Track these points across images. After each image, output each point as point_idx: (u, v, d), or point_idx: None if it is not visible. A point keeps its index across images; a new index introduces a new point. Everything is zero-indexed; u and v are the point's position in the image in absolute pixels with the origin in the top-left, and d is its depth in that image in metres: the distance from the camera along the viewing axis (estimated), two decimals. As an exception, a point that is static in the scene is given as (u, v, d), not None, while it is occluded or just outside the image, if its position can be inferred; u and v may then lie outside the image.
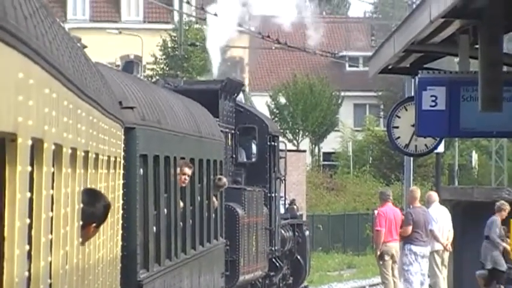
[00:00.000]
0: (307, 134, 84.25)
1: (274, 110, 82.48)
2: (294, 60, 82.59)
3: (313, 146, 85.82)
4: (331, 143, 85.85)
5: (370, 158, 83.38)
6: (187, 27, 72.15)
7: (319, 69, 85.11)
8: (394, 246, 27.51)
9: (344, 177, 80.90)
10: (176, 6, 75.22)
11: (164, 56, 73.15)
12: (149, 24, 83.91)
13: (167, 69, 70.40)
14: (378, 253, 27.94)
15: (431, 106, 17.58)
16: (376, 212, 29.51)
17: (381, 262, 27.85)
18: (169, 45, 73.25)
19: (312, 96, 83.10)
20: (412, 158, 48.57)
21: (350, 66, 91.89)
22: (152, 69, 71.33)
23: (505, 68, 16.87)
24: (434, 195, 29.81)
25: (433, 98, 17.59)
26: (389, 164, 78.69)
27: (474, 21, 15.56)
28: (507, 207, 29.57)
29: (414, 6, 52.84)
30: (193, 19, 70.49)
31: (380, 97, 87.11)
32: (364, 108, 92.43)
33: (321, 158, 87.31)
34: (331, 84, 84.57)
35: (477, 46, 16.61)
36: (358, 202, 74.23)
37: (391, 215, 27.67)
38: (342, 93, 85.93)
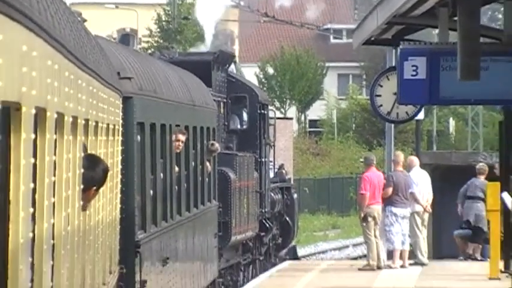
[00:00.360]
0: (293, 102, 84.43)
1: (263, 80, 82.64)
2: (281, 33, 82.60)
3: (300, 113, 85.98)
4: (316, 111, 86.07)
5: (353, 125, 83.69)
6: (180, 2, 72.16)
7: (305, 41, 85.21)
8: (377, 209, 27.54)
9: (329, 143, 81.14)
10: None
11: (159, 30, 73.33)
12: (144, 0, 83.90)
13: (161, 41, 70.47)
14: (362, 215, 27.89)
15: (412, 75, 17.56)
16: (361, 176, 29.47)
17: (364, 223, 27.79)
18: (164, 19, 73.41)
19: (299, 67, 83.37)
20: (393, 125, 48.61)
21: (334, 38, 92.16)
22: (147, 42, 71.34)
23: (482, 40, 16.84)
24: (415, 159, 29.83)
25: (414, 68, 17.56)
26: (371, 131, 78.94)
27: None
28: (486, 169, 29.66)
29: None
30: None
31: (362, 67, 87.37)
32: (347, 78, 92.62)
33: (307, 125, 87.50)
34: (317, 55, 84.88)
35: (456, 18, 16.67)
36: (342, 166, 74.43)
37: (374, 180, 27.67)
38: (327, 64, 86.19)
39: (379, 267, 27.53)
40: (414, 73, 17.61)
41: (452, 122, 76.86)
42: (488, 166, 30.38)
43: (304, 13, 73.39)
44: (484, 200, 29.32)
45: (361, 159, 32.65)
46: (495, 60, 16.97)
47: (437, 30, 19.48)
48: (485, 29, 17.37)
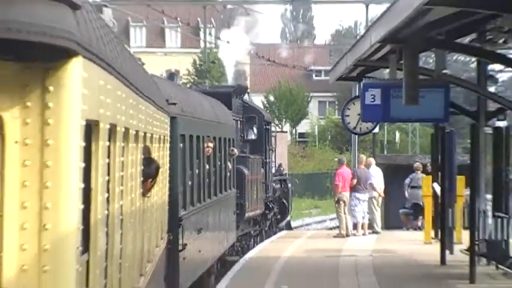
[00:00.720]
0: (287, 120, 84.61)
1: (266, 105, 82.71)
2: (279, 72, 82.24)
3: (292, 128, 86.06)
4: (303, 127, 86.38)
5: (329, 136, 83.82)
6: (209, 51, 72.25)
7: (296, 78, 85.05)
8: (346, 195, 27.57)
9: (312, 149, 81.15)
10: (202, 36, 75.28)
11: (194, 70, 73.34)
12: (184, 49, 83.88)
13: (196, 78, 70.42)
14: (336, 199, 27.96)
15: (371, 101, 17.57)
16: (335, 172, 29.47)
17: (337, 205, 27.86)
18: (198, 63, 73.45)
19: (291, 96, 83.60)
20: (357, 136, 48.59)
21: (316, 76, 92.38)
22: (186, 79, 71.38)
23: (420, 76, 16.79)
24: (372, 160, 29.82)
25: (373, 96, 17.56)
26: (341, 140, 79.07)
27: (400, 45, 15.54)
28: (421, 166, 29.65)
29: (359, 37, 52.88)
30: (213, 45, 70.84)
31: (335, 96, 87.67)
32: (325, 104, 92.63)
33: (297, 137, 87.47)
34: (304, 88, 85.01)
35: (401, 62, 16.64)
36: (322, 165, 74.29)
37: (345, 174, 27.67)
38: (311, 94, 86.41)
39: (347, 235, 27.50)
40: (372, 100, 17.57)
41: (397, 134, 76.92)
42: (423, 164, 30.30)
43: (295, 59, 73.28)
44: (421, 188, 29.62)
45: (336, 160, 32.61)
46: (429, 91, 16.93)
47: (388, 70, 19.40)
48: (421, 69, 17.33)
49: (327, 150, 79.09)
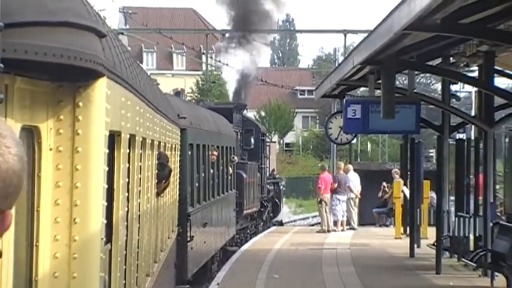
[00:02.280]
0: (276, 132, 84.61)
1: (258, 119, 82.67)
2: (269, 91, 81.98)
3: (280, 139, 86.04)
4: (289, 138, 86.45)
5: (311, 146, 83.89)
6: (210, 73, 72.42)
7: (283, 96, 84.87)
8: (327, 196, 27.33)
9: (297, 156, 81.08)
10: (204, 60, 75.48)
11: (197, 89, 73.44)
12: (189, 71, 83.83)
13: (199, 96, 70.34)
14: (318, 199, 27.72)
15: (352, 115, 17.37)
16: (318, 176, 29.26)
17: (319, 204, 27.62)
18: (200, 82, 73.62)
19: (279, 111, 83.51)
20: (335, 146, 48.42)
21: (300, 94, 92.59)
22: (190, 96, 71.32)
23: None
24: (350, 166, 29.63)
25: (354, 111, 17.34)
26: (322, 149, 79.32)
27: (378, 67, 15.44)
28: (398, 172, 29.39)
29: (337, 61, 52.94)
30: (213, 68, 71.38)
31: (317, 112, 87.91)
32: (308, 119, 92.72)
33: (284, 146, 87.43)
34: (290, 105, 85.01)
35: (379, 81, 16.58)
36: (305, 170, 74.09)
37: (326, 178, 27.43)
38: (296, 110, 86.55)
39: (328, 231, 27.26)
40: (353, 114, 17.34)
41: (369, 145, 77.05)
42: (389, 170, 30.15)
43: (283, 80, 72.95)
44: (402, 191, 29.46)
45: (319, 166, 32.39)
46: (402, 107, 16.76)
47: (364, 88, 19.39)
48: (396, 88, 17.31)
49: (309, 158, 79.38)
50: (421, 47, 15.00)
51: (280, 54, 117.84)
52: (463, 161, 19.21)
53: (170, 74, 78.07)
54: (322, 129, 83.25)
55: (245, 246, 24.40)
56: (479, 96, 18.18)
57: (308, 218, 50.56)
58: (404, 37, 12.45)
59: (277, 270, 18.15)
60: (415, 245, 20.80)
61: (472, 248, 17.86)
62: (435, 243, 18.15)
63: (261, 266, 18.98)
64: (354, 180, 28.28)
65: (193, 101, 56.49)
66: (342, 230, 27.48)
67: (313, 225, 41.21)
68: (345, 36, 48.99)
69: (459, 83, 20.40)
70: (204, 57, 70.25)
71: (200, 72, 75.55)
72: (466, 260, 17.47)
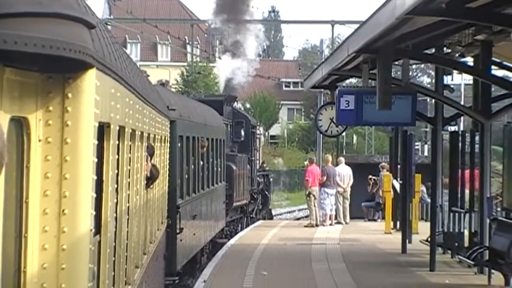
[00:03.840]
0: (261, 124, 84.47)
1: (243, 111, 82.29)
2: (255, 82, 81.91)
3: (265, 131, 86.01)
4: (275, 130, 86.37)
5: (297, 138, 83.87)
6: (195, 64, 72.28)
7: (269, 88, 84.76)
8: (315, 189, 26.98)
9: (282, 149, 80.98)
10: (189, 50, 75.18)
11: (182, 80, 73.20)
12: (174, 62, 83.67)
13: (184, 88, 70.09)
14: (307, 192, 27.35)
15: (345, 107, 16.77)
16: (306, 169, 28.96)
17: (308, 198, 27.24)
18: (185, 74, 73.37)
19: (265, 103, 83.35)
20: (322, 138, 48.21)
21: (286, 87, 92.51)
22: (175, 88, 71.22)
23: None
24: (342, 158, 29.45)
25: (347, 102, 16.76)
26: (307, 142, 79.36)
27: (374, 55, 14.96)
28: (386, 165, 29.08)
29: (323, 53, 52.64)
30: (199, 58, 71.11)
31: (302, 104, 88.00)
32: (293, 111, 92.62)
33: (269, 138, 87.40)
34: (275, 97, 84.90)
35: (373, 71, 16.07)
36: (290, 163, 73.99)
37: (314, 171, 27.07)
38: (281, 102, 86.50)
39: (317, 225, 27.00)
40: (347, 105, 16.72)
41: (355, 137, 76.99)
42: (378, 163, 29.84)
43: (268, 72, 72.52)
44: None
45: (308, 158, 32.04)
46: (398, 98, 16.12)
47: (354, 80, 19.13)
48: (392, 79, 16.92)
49: (295, 150, 79.25)
50: (416, 35, 14.48)
51: (265, 47, 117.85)
52: (457, 154, 18.74)
53: (155, 65, 77.83)
54: (308, 122, 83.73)
55: (232, 241, 23.80)
56: (475, 86, 17.63)
57: (294, 211, 49.99)
58: (404, 23, 11.98)
59: (266, 267, 17.70)
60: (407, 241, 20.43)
61: (467, 244, 17.41)
62: (428, 239, 17.69)
63: (248, 262, 18.53)
64: (345, 173, 28.03)
65: (181, 92, 56.33)
66: (331, 225, 27.18)
67: (299, 218, 40.98)
68: (333, 27, 49.34)
69: (449, 75, 20.09)
70: (189, 47, 70.09)
71: (185, 64, 75.39)
72: (461, 257, 17.01)
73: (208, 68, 72.46)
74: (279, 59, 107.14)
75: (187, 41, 68.82)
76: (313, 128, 70.78)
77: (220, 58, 46.32)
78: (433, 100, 20.19)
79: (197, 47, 63.97)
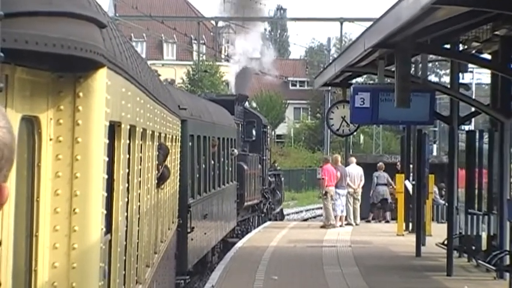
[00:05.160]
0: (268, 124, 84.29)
1: (255, 111, 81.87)
2: (261, 81, 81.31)
3: (271, 130, 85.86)
4: (281, 129, 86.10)
5: (303, 137, 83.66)
6: (201, 63, 72.26)
7: (275, 87, 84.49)
8: (332, 189, 26.38)
9: (288, 148, 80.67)
10: (195, 48, 75.02)
11: (188, 79, 73.15)
12: (179, 61, 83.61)
13: (189, 86, 69.99)
14: (323, 192, 26.80)
15: (360, 104, 16.09)
16: (321, 168, 27.99)
17: (324, 197, 26.73)
18: (191, 73, 73.30)
19: (271, 102, 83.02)
20: (329, 137, 48.02)
21: (292, 85, 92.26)
22: (181, 87, 71.09)
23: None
24: (353, 158, 29.13)
25: (362, 100, 16.08)
26: (313, 141, 79.20)
27: (391, 50, 14.20)
28: (383, 166, 28.79)
29: (331, 52, 52.30)
30: (204, 57, 71.03)
31: (308, 104, 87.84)
32: (299, 110, 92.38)
33: (275, 137, 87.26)
34: (282, 96, 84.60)
35: (388, 68, 15.60)
36: (297, 162, 73.63)
37: (330, 170, 26.59)
38: (288, 101, 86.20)
39: (333, 226, 26.39)
40: (362, 103, 16.03)
41: (362, 137, 76.62)
42: (393, 163, 29.41)
43: (274, 71, 72.35)
44: (386, 185, 28.81)
45: (324, 157, 31.29)
46: (415, 95, 15.32)
47: (364, 78, 18.63)
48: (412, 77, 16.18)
49: (301, 150, 78.76)
50: (435, 29, 13.76)
51: (271, 46, 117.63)
52: (474, 154, 18.07)
53: (160, 64, 77.97)
54: (314, 121, 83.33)
55: (240, 243, 23.15)
56: (493, 84, 17.04)
57: (302, 211, 49.32)
58: (427, 15, 11.37)
59: (276, 271, 17.18)
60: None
61: (484, 247, 16.83)
62: (445, 243, 17.07)
63: (258, 266, 18.00)
64: (356, 174, 27.74)
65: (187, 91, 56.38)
66: (341, 226, 26.71)
67: (306, 219, 40.48)
68: (341, 24, 49.24)
69: (464, 72, 19.42)
70: (195, 46, 69.94)
71: (191, 62, 75.26)
72: (480, 261, 16.45)
73: (215, 66, 72.41)
74: (285, 58, 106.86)
75: (193, 39, 68.83)
76: (320, 127, 70.87)
77: (227, 56, 46.32)
78: (443, 99, 19.68)
79: (204, 44, 63.90)
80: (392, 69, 15.89)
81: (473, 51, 16.68)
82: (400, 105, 13.90)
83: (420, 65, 18.08)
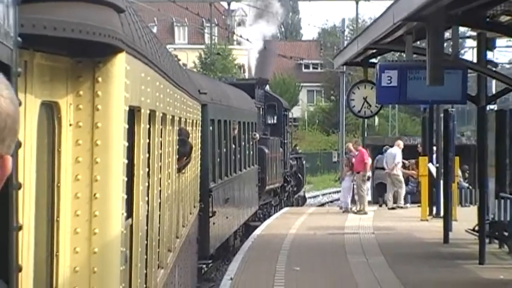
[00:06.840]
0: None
1: (275, 94, 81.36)
2: (275, 63, 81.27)
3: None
4: (295, 112, 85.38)
5: (317, 120, 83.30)
6: (213, 46, 72.01)
7: (288, 70, 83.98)
8: (368, 174, 25.80)
9: (303, 131, 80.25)
10: (207, 30, 74.80)
11: (200, 63, 72.95)
12: (191, 45, 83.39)
13: (201, 70, 69.76)
14: (366, 176, 25.75)
15: (387, 83, 15.21)
16: (359, 150, 26.04)
17: (362, 182, 25.47)
18: (203, 56, 73.09)
19: (284, 85, 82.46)
20: (344, 119, 47.67)
21: (305, 68, 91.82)
22: (192, 71, 70.58)
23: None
24: (400, 142, 27.35)
25: (389, 78, 15.20)
26: (328, 124, 78.88)
27: (422, 23, 13.15)
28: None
29: (345, 34, 51.52)
30: (217, 39, 70.77)
31: (322, 86, 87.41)
32: (313, 93, 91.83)
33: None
34: (295, 78, 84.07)
35: (416, 44, 14.61)
36: (311, 146, 73.21)
37: (367, 154, 25.74)
38: (301, 84, 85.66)
39: (346, 211, 25.91)
40: (389, 82, 15.17)
41: (377, 119, 75.92)
42: (413, 146, 28.47)
43: (286, 53, 71.23)
44: (383, 168, 27.12)
45: (354, 140, 30.30)
46: (446, 73, 13.50)
47: (385, 56, 17.22)
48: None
49: (316, 133, 78.30)
50: (467, 1, 12.95)
51: (283, 29, 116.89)
52: (505, 135, 17.22)
53: (172, 48, 77.75)
54: (329, 103, 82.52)
55: (258, 231, 22.13)
56: None
57: (318, 196, 48.88)
58: None
59: (297, 261, 16.22)
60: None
61: None
62: (475, 229, 16.29)
63: (278, 256, 17.05)
64: (397, 156, 26.40)
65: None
66: (360, 211, 25.70)
67: (323, 204, 40.05)
68: (357, 3, 48.82)
69: (490, 51, 18.39)
70: (207, 29, 69.54)
71: (203, 46, 74.98)
72: None
73: (227, 49, 72.14)
74: (298, 39, 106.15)
75: (205, 22, 68.54)
76: (334, 109, 70.15)
77: (241, 37, 46.06)
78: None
79: (217, 25, 63.59)
80: (421, 46, 15.18)
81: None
82: (433, 83, 12.95)
83: (450, 42, 17.27)
